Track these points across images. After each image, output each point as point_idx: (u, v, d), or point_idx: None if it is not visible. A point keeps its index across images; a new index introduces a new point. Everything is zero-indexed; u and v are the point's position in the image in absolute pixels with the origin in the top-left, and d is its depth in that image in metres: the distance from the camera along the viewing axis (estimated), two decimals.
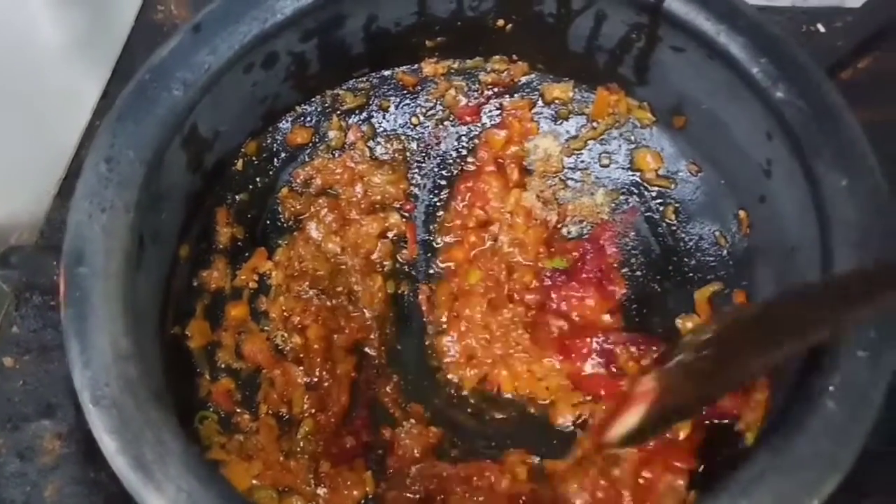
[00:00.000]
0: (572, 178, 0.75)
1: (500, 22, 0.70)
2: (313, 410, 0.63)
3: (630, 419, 0.55)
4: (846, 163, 0.54)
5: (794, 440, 0.45)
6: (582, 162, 0.75)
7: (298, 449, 0.61)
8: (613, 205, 0.74)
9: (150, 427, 0.45)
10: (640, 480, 0.59)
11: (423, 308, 0.71)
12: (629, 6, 0.64)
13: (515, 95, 0.75)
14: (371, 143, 0.75)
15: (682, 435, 0.61)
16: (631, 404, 0.56)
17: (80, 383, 0.47)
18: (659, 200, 0.72)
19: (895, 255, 0.51)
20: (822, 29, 0.86)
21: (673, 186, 0.72)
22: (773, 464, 0.45)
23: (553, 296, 0.70)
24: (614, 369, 0.67)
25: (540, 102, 0.75)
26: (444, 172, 0.75)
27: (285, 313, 0.67)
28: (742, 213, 0.66)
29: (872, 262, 0.51)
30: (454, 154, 0.75)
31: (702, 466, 0.60)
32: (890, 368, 0.48)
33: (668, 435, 0.60)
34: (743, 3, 0.62)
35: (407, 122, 0.76)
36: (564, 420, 0.66)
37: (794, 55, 0.58)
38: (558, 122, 0.75)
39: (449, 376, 0.68)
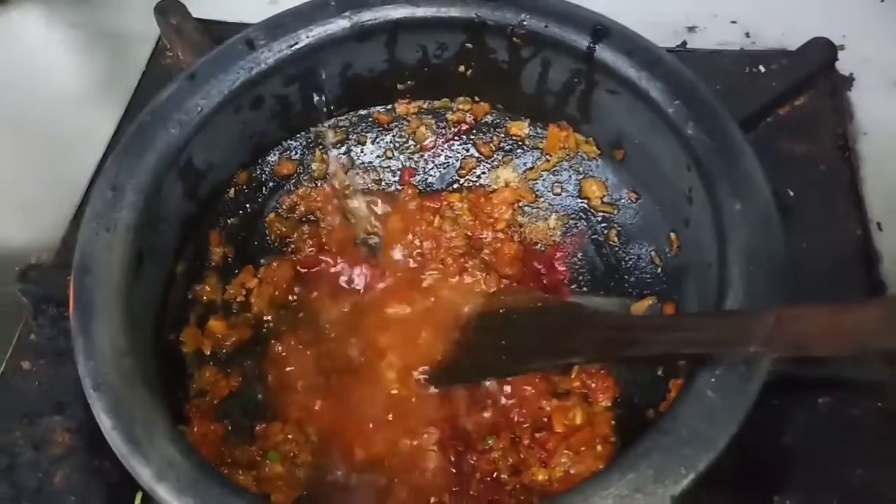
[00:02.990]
0: (528, 205, 0.84)
1: (462, 68, 0.80)
2: None
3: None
4: (742, 190, 0.62)
5: (677, 423, 0.53)
6: (537, 190, 0.83)
7: None
8: (564, 228, 0.82)
9: (141, 408, 0.54)
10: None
11: None
12: (568, 54, 0.73)
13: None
14: (350, 174, 0.85)
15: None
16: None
17: (84, 372, 0.56)
18: (603, 224, 0.81)
19: (776, 270, 0.59)
20: (762, 70, 0.94)
21: (615, 212, 0.80)
22: (657, 443, 0.52)
23: None
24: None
25: (501, 138, 0.84)
26: None
27: None
28: (673, 236, 0.74)
29: (756, 278, 0.59)
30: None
31: None
32: (766, 366, 0.55)
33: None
34: (661, 51, 0.71)
35: (382, 155, 0.85)
36: None
37: (703, 97, 0.67)
38: (516, 155, 0.84)
39: None
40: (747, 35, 0.99)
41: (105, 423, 0.54)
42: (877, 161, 0.88)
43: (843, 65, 0.93)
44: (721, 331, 0.55)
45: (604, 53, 0.71)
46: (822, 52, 0.91)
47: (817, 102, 0.91)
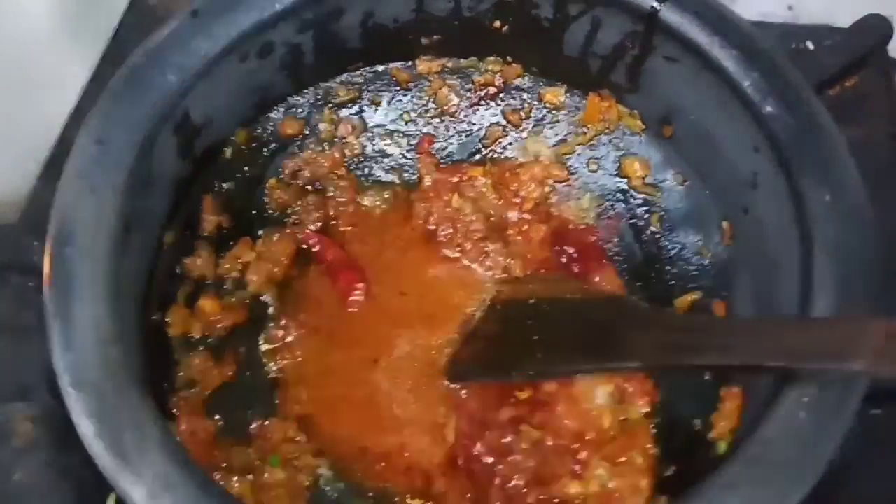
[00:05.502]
0: (560, 183, 0.75)
1: (497, 23, 0.71)
2: None
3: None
4: (830, 179, 0.55)
5: (767, 449, 0.46)
6: (570, 166, 0.75)
7: None
8: (599, 210, 0.75)
9: (130, 412, 0.45)
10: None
11: None
12: (625, 14, 0.65)
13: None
14: (361, 138, 0.76)
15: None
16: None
17: (61, 366, 0.46)
18: (644, 208, 0.73)
19: (873, 273, 0.52)
20: (811, 47, 0.88)
21: (659, 195, 0.72)
22: (746, 473, 0.45)
23: None
24: None
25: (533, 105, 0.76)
26: None
27: None
28: (725, 224, 0.67)
29: (850, 280, 0.52)
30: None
31: (673, 469, 0.61)
32: (862, 386, 0.49)
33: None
34: (736, 15, 0.63)
35: (398, 119, 0.76)
36: None
37: (784, 71, 0.59)
38: (549, 126, 0.76)
39: None
40: (790, 8, 0.94)
41: (87, 429, 0.45)
42: None
43: (891, 47, 0.87)
44: (817, 342, 0.48)
45: (669, 14, 0.62)
46: (877, 31, 0.84)
47: (869, 84, 0.86)
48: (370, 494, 0.63)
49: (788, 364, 0.49)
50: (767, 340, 0.51)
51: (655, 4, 0.62)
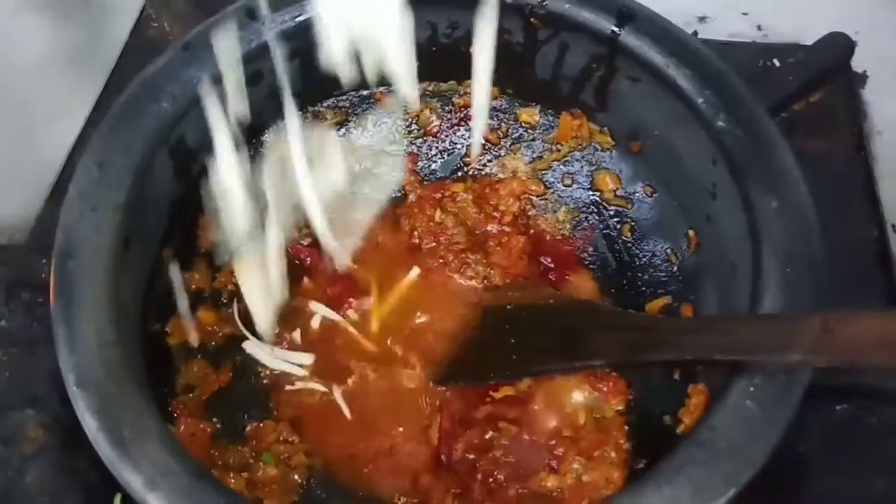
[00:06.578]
0: (537, 197, 0.79)
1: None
2: None
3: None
4: (777, 187, 0.59)
5: (714, 435, 0.50)
6: (546, 181, 0.80)
7: None
8: (574, 222, 0.79)
9: (129, 407, 0.50)
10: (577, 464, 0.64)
11: None
12: (589, 38, 0.69)
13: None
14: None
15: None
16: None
17: (66, 367, 0.51)
18: (616, 219, 0.77)
19: (816, 273, 0.56)
20: (777, 63, 0.91)
21: (630, 206, 0.76)
22: (694, 456, 0.49)
23: None
24: None
25: (510, 125, 0.80)
26: None
27: None
28: (691, 233, 0.71)
29: (794, 280, 0.55)
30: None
31: (644, 462, 0.64)
32: (806, 377, 0.52)
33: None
34: (692, 38, 0.67)
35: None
36: None
37: (735, 88, 0.63)
38: (525, 144, 0.80)
39: None
40: (759, 28, 0.97)
41: (90, 424, 0.49)
42: (891, 161, 0.86)
43: (857, 62, 0.91)
44: (760, 336, 0.52)
45: (629, 38, 0.67)
46: (839, 47, 0.89)
47: (833, 99, 0.89)
48: (360, 493, 0.67)
49: (734, 357, 0.53)
50: (716, 336, 0.55)
51: (615, 29, 0.67)
